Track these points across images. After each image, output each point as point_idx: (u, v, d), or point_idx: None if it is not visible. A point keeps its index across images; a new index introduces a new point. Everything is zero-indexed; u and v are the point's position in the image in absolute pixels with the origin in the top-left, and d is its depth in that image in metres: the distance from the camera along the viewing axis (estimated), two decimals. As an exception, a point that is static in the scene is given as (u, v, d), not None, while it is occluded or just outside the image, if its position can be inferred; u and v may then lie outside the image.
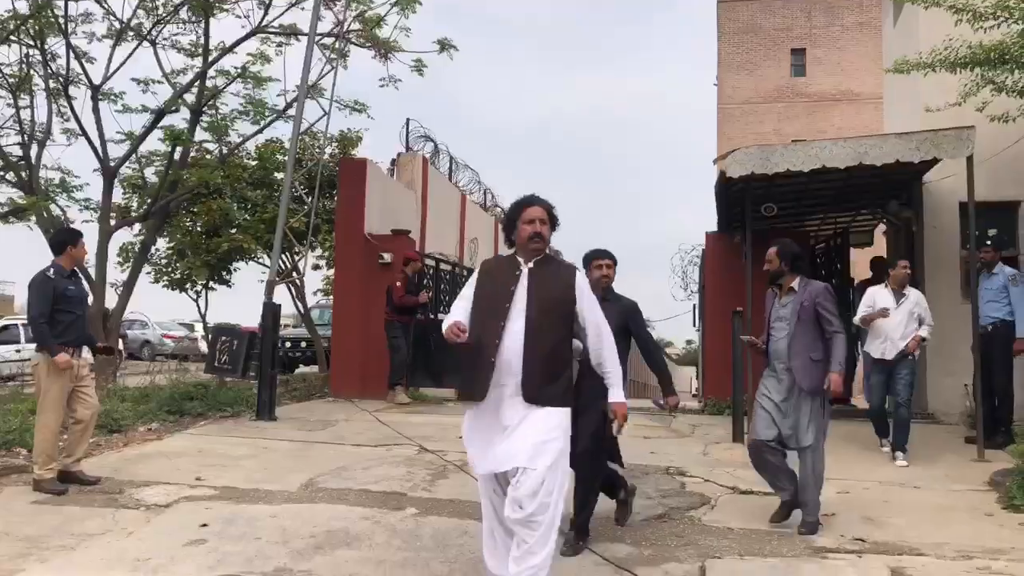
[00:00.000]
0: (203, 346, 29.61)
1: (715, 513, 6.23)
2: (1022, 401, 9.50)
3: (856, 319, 8.73)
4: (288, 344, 18.18)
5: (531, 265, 4.19)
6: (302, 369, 18.56)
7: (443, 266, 14.64)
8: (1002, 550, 5.38)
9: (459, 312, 4.20)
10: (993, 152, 9.92)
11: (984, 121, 9.56)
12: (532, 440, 3.92)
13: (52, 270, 6.74)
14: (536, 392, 3.99)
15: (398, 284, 11.84)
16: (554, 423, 3.99)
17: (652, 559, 5.18)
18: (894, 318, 8.27)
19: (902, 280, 8.46)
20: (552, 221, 4.28)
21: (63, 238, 6.99)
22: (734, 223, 12.17)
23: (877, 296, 8.49)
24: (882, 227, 14.04)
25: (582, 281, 4.25)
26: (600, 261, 5.45)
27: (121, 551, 5.19)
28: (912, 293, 8.50)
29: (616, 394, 4.31)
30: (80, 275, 7.31)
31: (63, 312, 6.62)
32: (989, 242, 9.76)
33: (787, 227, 12.86)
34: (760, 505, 6.44)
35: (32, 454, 6.85)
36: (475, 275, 4.32)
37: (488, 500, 4.18)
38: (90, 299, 8.54)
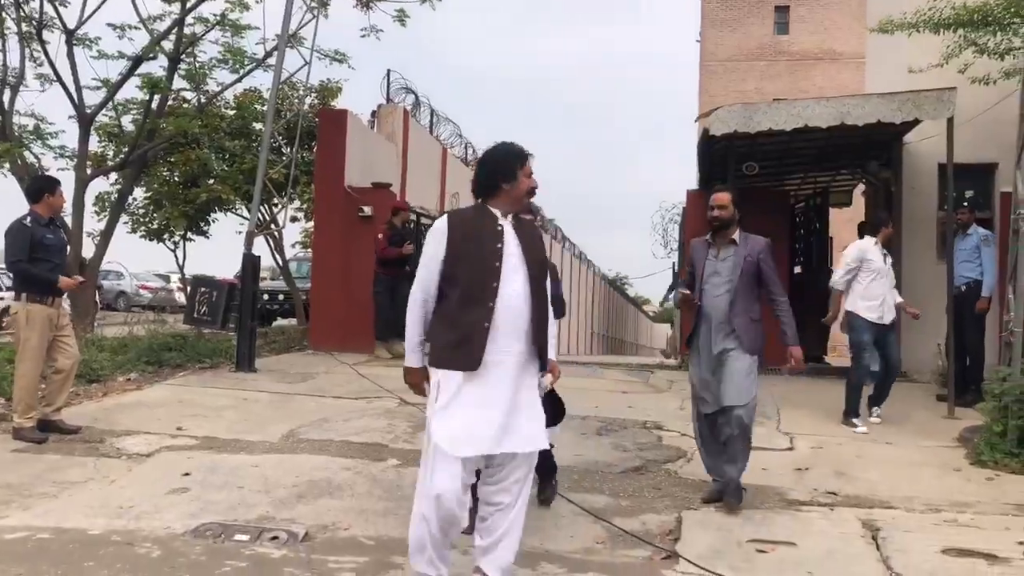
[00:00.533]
0: (180, 297, 29.49)
1: (691, 466, 6.33)
2: (992, 361, 9.67)
3: (834, 281, 8.19)
4: (266, 297, 18.12)
5: (510, 219, 3.80)
6: (280, 322, 18.54)
7: (424, 220, 14.59)
8: (968, 503, 5.53)
9: (430, 279, 3.73)
10: (973, 114, 9.98)
11: (965, 83, 9.62)
12: (535, 419, 3.73)
13: (29, 218, 6.66)
14: (546, 358, 3.81)
15: (379, 236, 11.77)
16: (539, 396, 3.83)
17: (629, 510, 5.28)
18: (887, 280, 8.01)
19: (888, 240, 8.25)
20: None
21: (40, 185, 6.91)
22: (715, 181, 12.19)
23: (869, 251, 7.99)
24: (861, 187, 14.13)
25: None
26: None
27: (104, 498, 5.22)
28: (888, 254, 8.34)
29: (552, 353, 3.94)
30: (59, 224, 7.23)
31: (41, 261, 6.56)
32: (966, 203, 9.86)
33: (768, 186, 12.94)
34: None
35: (12, 403, 6.83)
36: (441, 232, 3.73)
37: (450, 475, 3.57)
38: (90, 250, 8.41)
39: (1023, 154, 7.19)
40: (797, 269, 13.13)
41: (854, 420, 7.84)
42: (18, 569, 4.01)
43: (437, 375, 3.66)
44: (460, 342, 3.61)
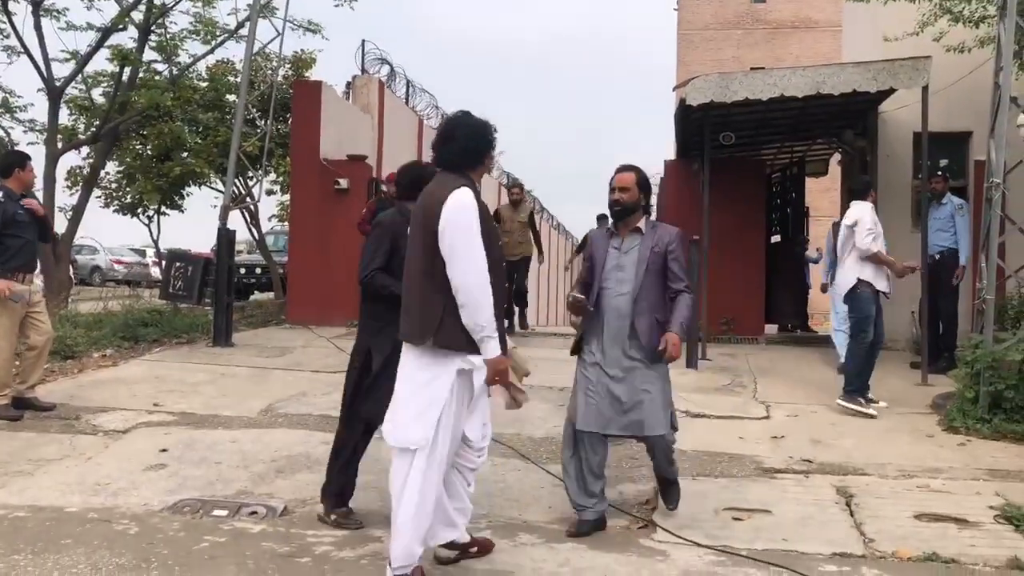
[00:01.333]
0: (155, 272, 29.29)
1: (669, 436, 6.37)
2: (965, 328, 9.79)
3: (869, 246, 7.21)
4: (243, 270, 17.98)
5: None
6: (257, 296, 18.43)
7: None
8: (940, 469, 5.62)
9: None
10: (948, 83, 10.01)
11: (940, 51, 9.64)
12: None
13: (1, 193, 6.56)
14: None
15: (364, 211, 11.68)
16: None
17: (607, 480, 5.31)
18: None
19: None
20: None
21: (10, 160, 6.81)
22: (692, 151, 12.20)
23: (872, 214, 7.43)
24: (838, 157, 14.17)
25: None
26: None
27: (80, 475, 5.20)
28: None
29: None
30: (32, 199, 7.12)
31: (12, 237, 6.47)
32: (940, 172, 9.92)
33: (744, 155, 12.95)
34: (711, 428, 6.64)
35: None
36: (475, 208, 3.60)
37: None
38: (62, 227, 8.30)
39: (996, 123, 7.22)
40: (775, 238, 13.18)
41: (861, 400, 7.16)
42: (-6, 547, 3.99)
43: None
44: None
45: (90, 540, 4.11)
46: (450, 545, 3.96)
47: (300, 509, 4.69)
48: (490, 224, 3.65)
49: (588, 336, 4.57)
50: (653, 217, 4.72)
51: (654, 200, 19.29)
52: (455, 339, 3.54)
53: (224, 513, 4.59)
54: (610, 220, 4.68)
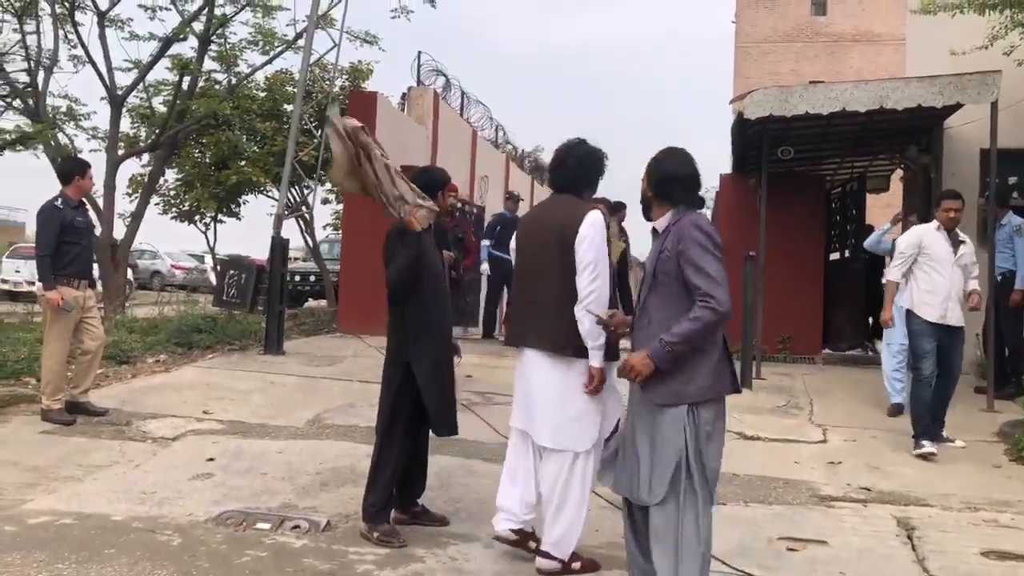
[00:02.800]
0: (212, 277, 29.80)
1: (720, 458, 6.20)
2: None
3: (895, 269, 6.85)
4: (297, 278, 18.17)
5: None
6: (311, 303, 18.58)
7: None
8: (1009, 502, 5.37)
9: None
10: (1017, 98, 9.66)
11: (1010, 65, 9.30)
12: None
13: (60, 200, 6.69)
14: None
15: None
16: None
17: (657, 503, 5.18)
18: (952, 271, 6.61)
19: (953, 223, 6.70)
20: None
21: (71, 168, 6.92)
22: (749, 165, 11.98)
23: (926, 236, 6.73)
24: (899, 172, 13.80)
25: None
26: None
27: (128, 483, 5.21)
28: (968, 241, 6.85)
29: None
30: (87, 206, 7.25)
31: (70, 244, 6.57)
32: (1016, 194, 9.61)
33: (804, 170, 12.69)
34: (765, 451, 6.45)
35: (40, 384, 6.87)
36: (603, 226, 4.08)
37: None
38: (97, 230, 8.45)
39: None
40: (834, 255, 12.87)
41: (924, 443, 6.41)
42: (40, 555, 3.99)
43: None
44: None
45: (133, 551, 4.10)
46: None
47: (343, 524, 4.63)
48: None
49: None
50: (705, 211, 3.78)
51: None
52: (584, 348, 3.90)
53: (267, 526, 4.55)
54: None
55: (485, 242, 12.29)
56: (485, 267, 12.22)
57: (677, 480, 3.25)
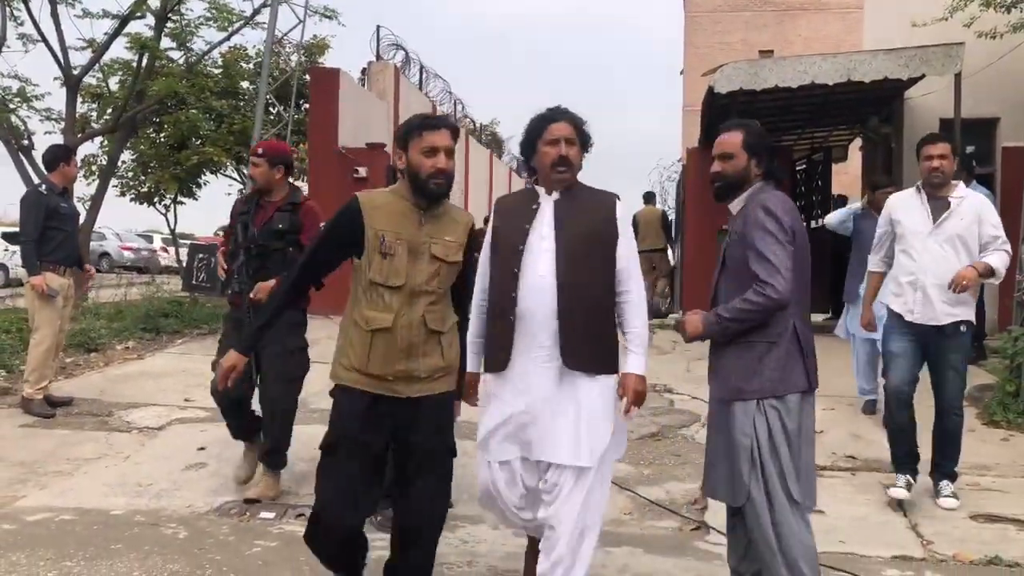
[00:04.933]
0: (162, 258, 29.24)
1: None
2: (992, 318, 9.71)
3: (872, 256, 5.32)
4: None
5: (556, 196, 3.29)
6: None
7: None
8: (987, 466, 5.55)
9: (481, 273, 3.41)
10: (976, 69, 9.88)
11: (970, 37, 9.50)
12: (577, 427, 3.17)
13: (45, 186, 6.59)
14: (578, 356, 3.17)
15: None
16: (604, 398, 3.24)
17: (652, 478, 5.27)
18: (931, 247, 4.77)
19: (938, 177, 4.78)
20: (583, 140, 3.31)
21: (56, 154, 6.77)
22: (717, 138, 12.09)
23: (898, 206, 5.02)
24: (858, 142, 14.05)
25: (623, 213, 3.32)
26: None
27: (121, 476, 5.15)
28: (968, 198, 4.81)
29: (635, 363, 3.28)
30: (72, 193, 7.12)
31: (55, 230, 6.44)
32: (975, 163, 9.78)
33: (768, 141, 12.82)
34: (750, 423, 6.56)
35: (24, 372, 6.72)
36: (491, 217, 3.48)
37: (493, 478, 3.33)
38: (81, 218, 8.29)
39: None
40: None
41: (897, 481, 4.88)
42: (46, 552, 3.94)
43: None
44: (492, 340, 3.31)
45: (140, 545, 4.06)
46: None
47: (347, 510, 4.63)
48: (499, 227, 3.42)
49: None
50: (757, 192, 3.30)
51: (665, 187, 19.04)
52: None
53: (271, 515, 4.54)
54: None
55: None
56: None
57: (756, 478, 3.12)
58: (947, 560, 4.10)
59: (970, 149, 11.07)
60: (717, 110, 10.60)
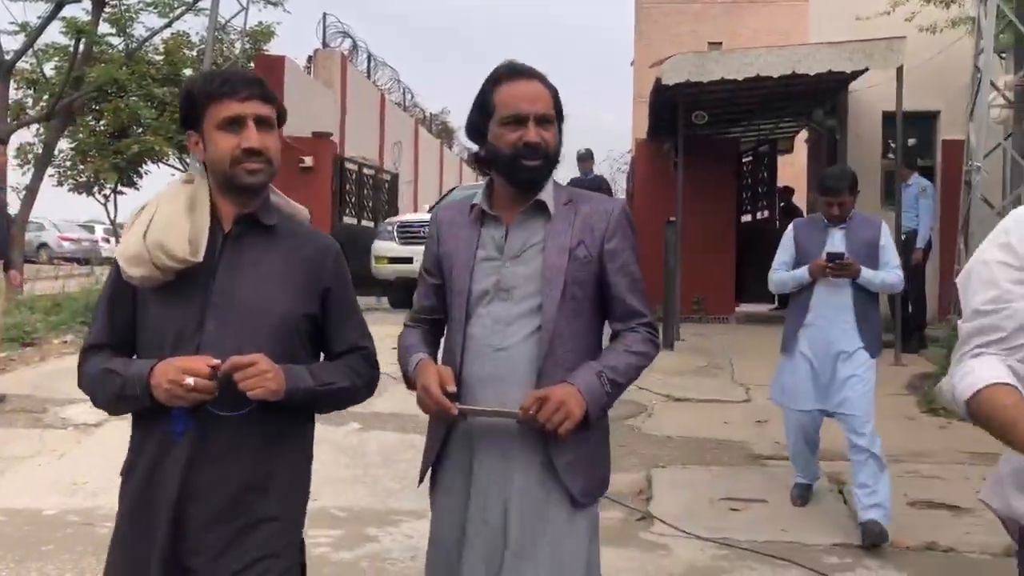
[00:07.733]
0: (104, 249, 28.58)
1: (653, 421, 6.35)
2: (933, 308, 9.92)
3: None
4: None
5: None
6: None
7: (365, 171, 14.26)
8: (925, 453, 5.65)
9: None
10: (917, 62, 10.06)
11: (911, 31, 9.67)
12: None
13: None
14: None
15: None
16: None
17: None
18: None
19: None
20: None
21: None
22: (663, 131, 12.14)
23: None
24: (804, 135, 14.23)
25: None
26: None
27: (55, 475, 5.01)
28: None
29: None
30: (3, 184, 6.88)
31: None
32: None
33: (714, 134, 12.93)
34: (694, 413, 6.62)
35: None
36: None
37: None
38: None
39: (976, 105, 7.25)
40: (746, 217, 13.19)
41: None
42: (-29, 556, 3.81)
43: None
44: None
45: (73, 546, 3.94)
46: None
47: (289, 507, 4.55)
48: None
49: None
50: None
51: (615, 179, 19.02)
52: None
53: (211, 513, 4.44)
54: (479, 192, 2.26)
55: None
56: None
57: None
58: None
59: (912, 142, 11.30)
60: (665, 102, 10.64)
